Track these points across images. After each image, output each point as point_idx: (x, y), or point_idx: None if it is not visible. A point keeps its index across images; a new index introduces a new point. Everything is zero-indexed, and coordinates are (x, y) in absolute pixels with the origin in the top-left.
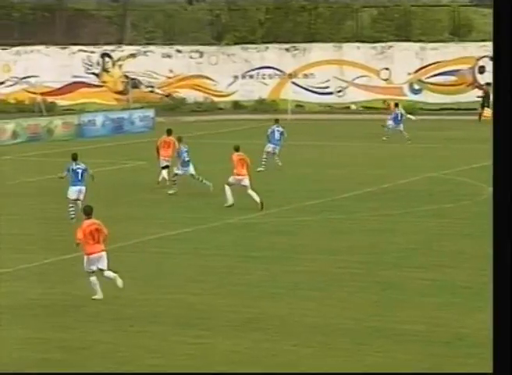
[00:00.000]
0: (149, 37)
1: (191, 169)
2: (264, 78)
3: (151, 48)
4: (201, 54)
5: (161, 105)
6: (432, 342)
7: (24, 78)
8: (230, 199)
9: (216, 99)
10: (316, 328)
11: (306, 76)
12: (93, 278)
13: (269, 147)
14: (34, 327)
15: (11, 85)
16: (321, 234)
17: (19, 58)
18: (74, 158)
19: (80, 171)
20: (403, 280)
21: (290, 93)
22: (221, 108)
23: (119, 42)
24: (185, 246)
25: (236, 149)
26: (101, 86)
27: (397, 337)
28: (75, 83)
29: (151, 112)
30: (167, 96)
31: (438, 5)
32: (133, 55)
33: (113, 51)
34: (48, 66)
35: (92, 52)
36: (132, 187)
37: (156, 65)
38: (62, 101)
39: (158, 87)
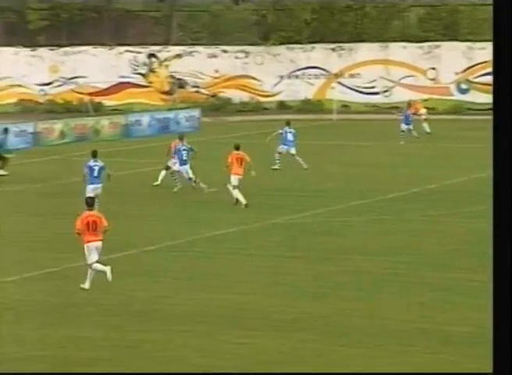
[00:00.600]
0: (195, 37)
1: (187, 169)
2: (309, 78)
3: (197, 48)
4: (247, 54)
5: (206, 105)
6: (480, 343)
7: (72, 79)
8: (242, 199)
9: (262, 99)
10: (363, 329)
11: (352, 76)
12: (95, 265)
13: (282, 148)
14: (82, 326)
15: (59, 85)
16: (367, 235)
17: (67, 58)
18: (94, 155)
19: (96, 168)
20: (450, 281)
21: (336, 93)
22: (266, 109)
23: (166, 42)
24: (230, 246)
25: (237, 148)
26: (148, 86)
27: (444, 338)
28: (121, 83)
29: (196, 112)
30: (213, 96)
31: (485, 4)
32: (179, 56)
33: (159, 51)
34: (95, 66)
35: (139, 53)
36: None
37: (202, 65)
38: (108, 102)
39: (204, 88)
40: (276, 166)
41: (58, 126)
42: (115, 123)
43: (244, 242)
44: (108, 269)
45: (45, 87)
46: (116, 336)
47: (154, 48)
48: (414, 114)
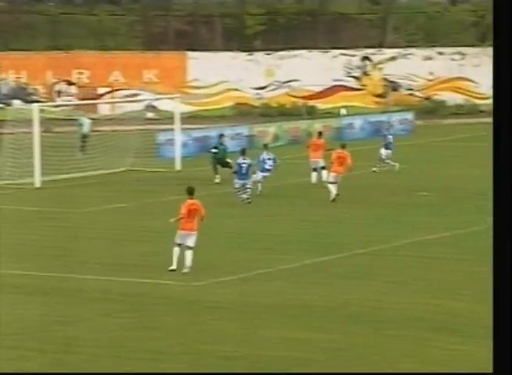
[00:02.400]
0: (410, 39)
1: (259, 177)
2: None
3: (412, 50)
4: (463, 56)
5: (420, 108)
6: None
7: (286, 82)
8: (333, 192)
9: (478, 102)
10: None
11: None
12: (176, 249)
13: (384, 152)
14: (294, 327)
15: (274, 89)
16: None
17: (282, 62)
18: (242, 153)
19: (244, 166)
20: None
21: None
22: (482, 111)
23: (380, 45)
24: (443, 251)
25: (342, 146)
26: (361, 89)
27: None
28: (335, 86)
29: (409, 115)
30: (427, 99)
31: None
32: (393, 58)
33: (374, 54)
34: (309, 70)
35: (353, 56)
36: (386, 189)
37: (416, 67)
38: (322, 105)
39: (418, 90)
40: (375, 169)
41: (272, 129)
42: (327, 126)
43: (459, 247)
44: (175, 261)
45: (261, 91)
46: (328, 338)
47: (368, 51)
48: None
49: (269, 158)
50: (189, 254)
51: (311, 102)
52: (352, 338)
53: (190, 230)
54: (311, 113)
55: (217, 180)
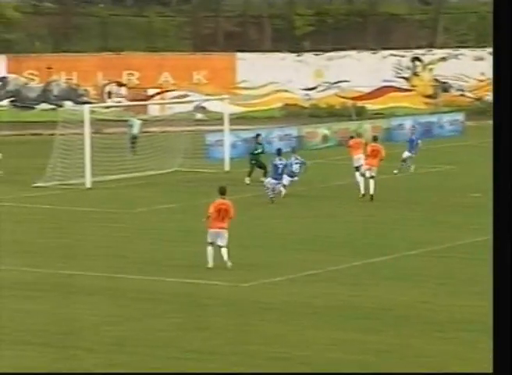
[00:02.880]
0: (461, 39)
1: (286, 181)
2: None
3: (463, 50)
4: None
5: (470, 109)
6: None
7: (335, 83)
8: (362, 189)
9: None
10: None
11: None
12: (209, 248)
13: (407, 154)
14: (344, 329)
15: (323, 90)
16: None
17: (331, 63)
18: (278, 153)
19: (280, 166)
20: None
21: None
22: None
23: (430, 46)
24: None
25: (374, 139)
26: (411, 90)
27: None
28: (384, 87)
29: (460, 116)
30: (477, 100)
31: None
32: (443, 59)
33: (424, 54)
34: (358, 70)
35: (402, 56)
36: (440, 191)
37: (467, 68)
38: (371, 106)
39: (469, 91)
40: (396, 171)
41: (321, 130)
42: (377, 127)
43: None
44: (210, 259)
45: (310, 92)
46: (376, 339)
47: (418, 52)
48: None
49: (297, 163)
50: (223, 252)
51: (360, 103)
52: (402, 340)
53: (219, 228)
54: (361, 114)
55: (247, 182)
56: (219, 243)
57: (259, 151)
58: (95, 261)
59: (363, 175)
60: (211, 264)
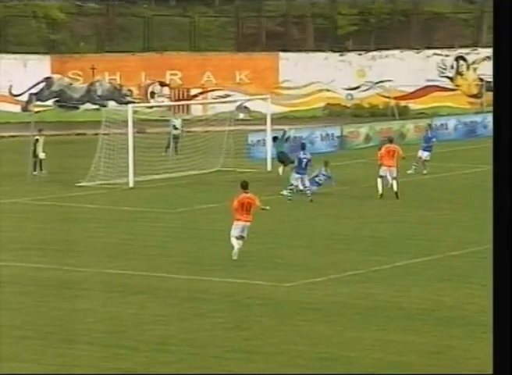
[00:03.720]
0: None
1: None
2: None
3: None
4: None
5: None
6: None
7: (378, 83)
8: (380, 189)
9: None
10: None
11: None
12: (234, 241)
13: (423, 153)
14: (387, 329)
15: (365, 90)
16: None
17: (374, 63)
18: (303, 147)
19: (304, 160)
20: None
21: None
22: None
23: (475, 45)
24: None
25: (390, 141)
26: (455, 89)
27: None
28: (428, 86)
29: None
30: None
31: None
32: (488, 58)
33: (468, 54)
34: (402, 70)
35: (446, 56)
36: (480, 191)
37: None
38: (414, 105)
39: None
40: (411, 171)
41: (363, 130)
42: (420, 126)
43: None
44: (236, 248)
45: (352, 92)
46: (422, 341)
47: (462, 51)
48: None
49: (324, 174)
50: (240, 243)
51: (403, 103)
52: (447, 341)
53: (243, 221)
54: (404, 114)
55: (280, 173)
56: (241, 234)
57: (281, 147)
58: (140, 260)
59: (383, 176)
60: (236, 256)
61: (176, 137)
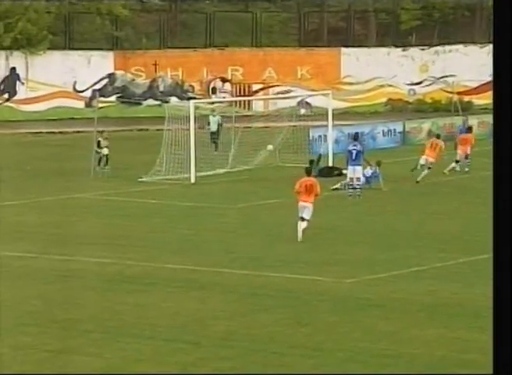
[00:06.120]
0: None
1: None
2: None
3: None
4: None
5: None
6: None
7: (441, 78)
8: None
9: None
10: None
11: None
12: (299, 222)
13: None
14: (451, 326)
15: (428, 85)
16: None
17: (437, 58)
18: (355, 138)
19: (354, 152)
20: None
21: None
22: None
23: None
24: None
25: (437, 136)
26: None
27: None
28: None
29: None
30: None
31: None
32: None
33: None
34: (465, 65)
35: None
36: None
37: None
38: (478, 101)
39: None
40: (467, 168)
41: (426, 125)
42: (484, 122)
43: None
44: (298, 229)
45: (415, 87)
46: (486, 338)
47: None
48: None
49: (373, 172)
50: (304, 224)
51: (466, 98)
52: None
53: (305, 202)
54: (467, 109)
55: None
56: (304, 215)
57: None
58: (201, 255)
59: (422, 165)
60: (300, 238)
61: (213, 134)
